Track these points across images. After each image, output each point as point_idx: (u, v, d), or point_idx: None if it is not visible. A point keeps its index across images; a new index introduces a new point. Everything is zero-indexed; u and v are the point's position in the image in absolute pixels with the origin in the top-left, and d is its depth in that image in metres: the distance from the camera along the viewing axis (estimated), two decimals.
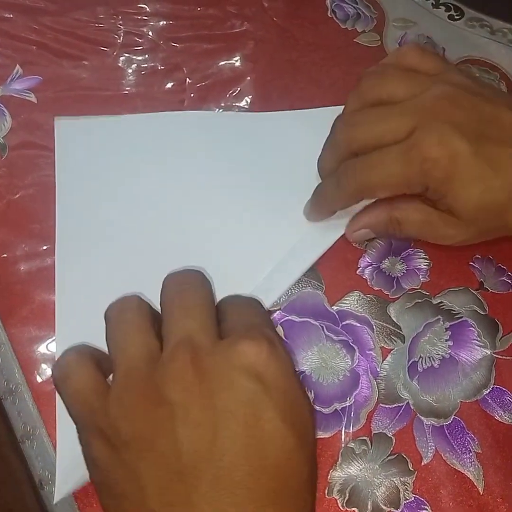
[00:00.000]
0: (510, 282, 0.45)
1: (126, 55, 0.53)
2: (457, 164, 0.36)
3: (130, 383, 0.29)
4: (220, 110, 0.51)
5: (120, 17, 0.55)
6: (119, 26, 0.54)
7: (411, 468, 0.38)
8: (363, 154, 0.39)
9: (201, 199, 0.46)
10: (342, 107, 0.43)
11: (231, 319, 0.33)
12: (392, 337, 0.42)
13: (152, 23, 0.55)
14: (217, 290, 0.35)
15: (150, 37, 0.54)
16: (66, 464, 0.36)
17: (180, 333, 0.30)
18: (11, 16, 0.53)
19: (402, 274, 0.44)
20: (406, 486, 0.37)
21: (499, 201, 0.36)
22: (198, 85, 0.52)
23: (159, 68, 0.52)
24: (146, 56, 0.53)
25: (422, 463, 0.38)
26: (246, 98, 0.51)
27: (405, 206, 0.40)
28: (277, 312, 0.42)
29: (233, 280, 0.41)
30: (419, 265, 0.45)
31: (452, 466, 0.38)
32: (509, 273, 0.45)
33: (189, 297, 0.33)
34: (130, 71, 0.52)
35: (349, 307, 0.43)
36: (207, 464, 0.27)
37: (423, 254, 0.45)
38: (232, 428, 0.27)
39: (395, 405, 0.40)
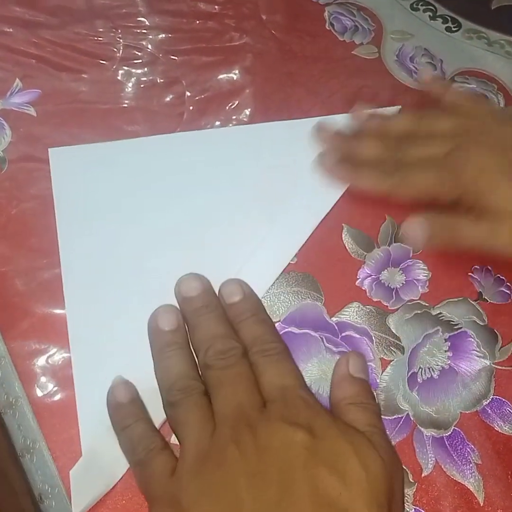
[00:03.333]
0: (509, 292, 0.45)
1: (125, 68, 0.53)
2: (487, 172, 0.40)
3: (195, 465, 0.32)
4: (218, 123, 0.51)
5: (119, 31, 0.55)
6: (118, 39, 0.55)
7: (411, 480, 0.38)
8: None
9: (196, 212, 0.46)
10: (338, 115, 0.50)
11: (266, 374, 0.36)
12: (392, 348, 0.42)
13: (151, 37, 0.55)
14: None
15: (149, 50, 0.54)
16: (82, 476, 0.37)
17: (233, 406, 0.34)
18: (11, 30, 0.54)
19: (401, 285, 0.44)
20: (406, 498, 0.37)
21: None
22: (197, 98, 0.52)
23: (158, 81, 0.53)
24: (145, 69, 0.53)
25: (423, 475, 0.38)
26: (245, 110, 0.52)
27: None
28: (277, 323, 0.42)
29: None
30: (418, 276, 0.45)
31: (452, 477, 0.38)
32: (508, 283, 0.45)
33: (235, 366, 0.36)
34: (129, 84, 0.52)
35: (349, 319, 0.43)
36: None
37: (422, 265, 0.45)
38: (287, 486, 0.30)
39: (395, 416, 0.40)
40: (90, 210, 0.45)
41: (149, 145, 0.49)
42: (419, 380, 0.41)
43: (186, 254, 0.44)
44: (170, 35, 0.56)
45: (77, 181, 0.47)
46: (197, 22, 0.57)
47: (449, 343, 0.42)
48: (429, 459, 0.39)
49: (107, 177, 0.47)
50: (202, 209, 0.46)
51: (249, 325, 0.39)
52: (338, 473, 0.30)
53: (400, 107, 0.53)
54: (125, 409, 0.36)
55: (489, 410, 0.40)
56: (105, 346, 0.40)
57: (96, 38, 0.54)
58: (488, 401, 0.41)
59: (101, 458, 0.37)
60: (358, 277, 0.44)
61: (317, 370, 0.41)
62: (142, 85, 0.52)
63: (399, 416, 0.40)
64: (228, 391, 0.35)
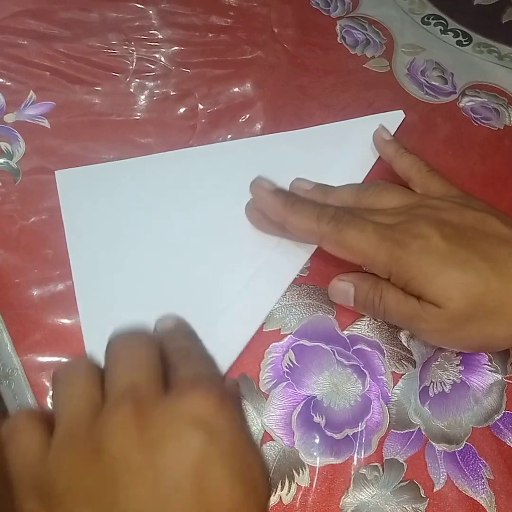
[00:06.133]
0: None
1: (138, 80, 0.53)
2: (428, 253, 0.37)
3: (70, 436, 0.28)
4: (230, 136, 0.51)
5: (132, 43, 0.55)
6: (131, 52, 0.55)
7: (423, 495, 0.38)
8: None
9: (207, 228, 0.46)
10: (351, 120, 0.53)
11: (180, 368, 0.33)
12: (403, 362, 0.42)
13: (164, 49, 0.56)
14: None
15: (162, 63, 0.55)
16: None
17: (123, 383, 0.30)
18: (25, 42, 0.54)
19: None
20: None
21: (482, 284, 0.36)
22: (210, 110, 0.52)
23: (171, 93, 0.53)
24: (158, 81, 0.53)
25: (434, 490, 0.38)
26: (256, 123, 0.52)
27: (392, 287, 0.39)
28: (289, 336, 0.42)
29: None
30: None
31: (464, 492, 0.38)
32: None
33: (134, 352, 0.32)
34: (142, 96, 0.52)
35: (360, 332, 0.43)
36: None
37: None
38: (176, 479, 0.26)
39: (406, 430, 0.40)
40: (99, 230, 0.46)
41: (154, 162, 0.49)
42: (430, 394, 0.41)
43: (196, 267, 0.44)
44: (182, 48, 0.56)
45: (84, 201, 0.47)
46: (210, 35, 0.57)
47: (461, 357, 0.42)
48: (441, 474, 0.38)
49: (114, 196, 0.47)
50: (209, 223, 0.46)
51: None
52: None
53: (401, 110, 0.53)
54: None
55: (501, 425, 0.40)
56: None
57: (109, 51, 0.55)
58: (500, 416, 0.41)
59: None
60: None
61: (328, 383, 0.41)
62: (155, 98, 0.53)
63: (411, 430, 0.40)
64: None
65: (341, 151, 0.50)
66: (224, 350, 0.41)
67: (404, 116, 0.53)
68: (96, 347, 0.40)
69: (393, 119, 0.53)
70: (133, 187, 0.48)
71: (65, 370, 0.33)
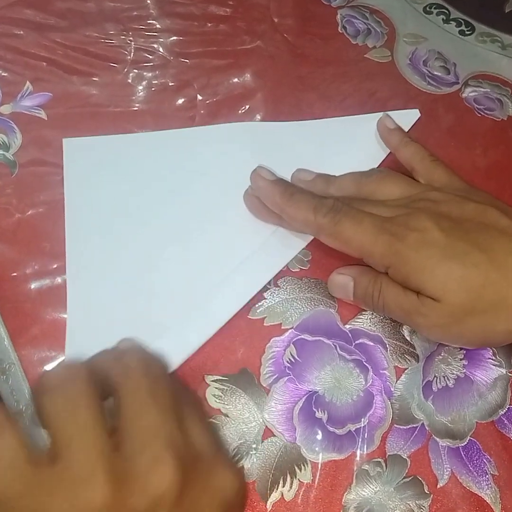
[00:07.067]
0: None
1: (136, 71, 0.53)
2: (426, 246, 0.36)
3: (91, 471, 0.26)
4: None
5: (130, 33, 0.55)
6: (129, 42, 0.54)
7: (426, 491, 0.37)
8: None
9: (206, 210, 0.46)
10: (363, 115, 0.52)
11: (193, 434, 0.31)
12: (406, 356, 0.41)
13: (162, 39, 0.55)
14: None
15: (160, 53, 0.54)
16: None
17: (157, 433, 0.29)
18: (22, 32, 0.53)
19: None
20: (421, 510, 0.37)
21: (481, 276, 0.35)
22: (209, 101, 0.52)
23: (170, 84, 0.52)
24: (157, 72, 0.53)
25: (438, 486, 0.38)
26: (256, 114, 0.51)
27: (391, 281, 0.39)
28: (290, 330, 0.42)
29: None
30: None
31: (468, 488, 0.38)
32: None
33: (161, 391, 0.31)
34: (140, 87, 0.52)
35: (362, 326, 0.42)
36: None
37: None
38: None
39: (409, 426, 0.39)
40: (101, 202, 0.46)
41: (164, 138, 0.49)
42: (434, 388, 0.40)
43: (193, 252, 0.44)
44: (181, 38, 0.55)
45: (89, 171, 0.47)
46: (209, 25, 0.57)
47: (464, 352, 0.42)
48: (445, 470, 0.38)
49: (117, 170, 0.47)
50: (208, 207, 0.46)
51: None
52: None
53: (417, 109, 0.52)
54: None
55: (506, 420, 0.40)
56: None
57: (107, 41, 0.54)
58: (504, 410, 0.40)
59: None
60: None
61: (330, 378, 0.40)
62: (153, 88, 0.52)
63: (414, 425, 0.39)
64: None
65: (350, 146, 0.49)
66: (203, 327, 0.41)
67: (419, 115, 0.52)
68: (80, 332, 0.41)
69: (407, 117, 0.51)
70: (137, 162, 0.48)
71: (59, 378, 0.30)
